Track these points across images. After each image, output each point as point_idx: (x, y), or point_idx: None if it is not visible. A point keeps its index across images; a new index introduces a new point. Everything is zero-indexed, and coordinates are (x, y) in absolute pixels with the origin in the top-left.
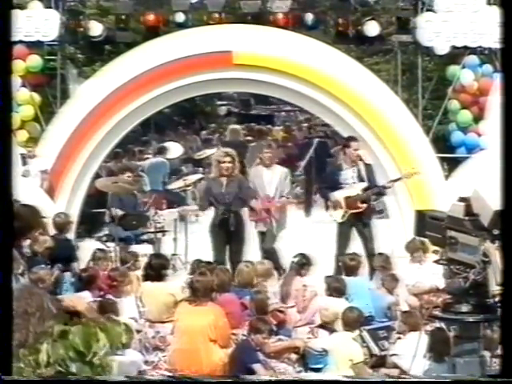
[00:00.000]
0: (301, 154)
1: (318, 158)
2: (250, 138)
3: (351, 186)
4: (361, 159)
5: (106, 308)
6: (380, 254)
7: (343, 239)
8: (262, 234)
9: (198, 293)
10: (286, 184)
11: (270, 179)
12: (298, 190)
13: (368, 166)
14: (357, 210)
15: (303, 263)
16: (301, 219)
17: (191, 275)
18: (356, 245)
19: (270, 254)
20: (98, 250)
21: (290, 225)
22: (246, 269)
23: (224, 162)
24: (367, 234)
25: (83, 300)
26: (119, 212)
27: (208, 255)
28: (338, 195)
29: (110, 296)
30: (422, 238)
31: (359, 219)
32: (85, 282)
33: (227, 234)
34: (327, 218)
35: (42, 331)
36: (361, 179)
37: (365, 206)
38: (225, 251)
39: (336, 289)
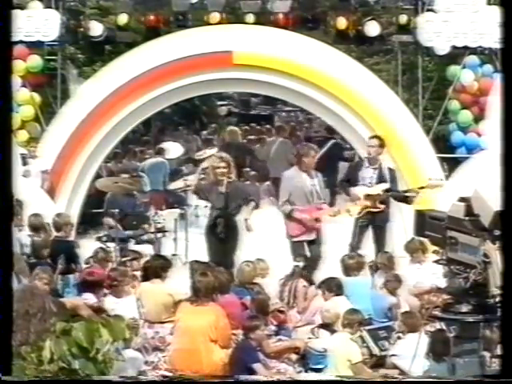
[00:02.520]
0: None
1: (330, 158)
2: (251, 137)
3: (372, 184)
4: (381, 159)
5: (100, 311)
6: (384, 252)
7: (357, 239)
8: (298, 243)
9: (200, 293)
10: (324, 190)
11: (312, 185)
12: None
13: (391, 171)
14: (374, 210)
15: (306, 265)
16: None
17: (189, 276)
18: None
19: (315, 262)
20: (100, 249)
21: None
22: (246, 268)
23: (219, 167)
24: (380, 234)
25: (84, 303)
26: (112, 222)
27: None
28: (359, 191)
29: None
30: (422, 238)
31: (377, 220)
32: (89, 285)
33: (222, 239)
34: (329, 217)
35: (43, 331)
36: (381, 180)
37: (383, 206)
38: (218, 254)
39: (334, 287)
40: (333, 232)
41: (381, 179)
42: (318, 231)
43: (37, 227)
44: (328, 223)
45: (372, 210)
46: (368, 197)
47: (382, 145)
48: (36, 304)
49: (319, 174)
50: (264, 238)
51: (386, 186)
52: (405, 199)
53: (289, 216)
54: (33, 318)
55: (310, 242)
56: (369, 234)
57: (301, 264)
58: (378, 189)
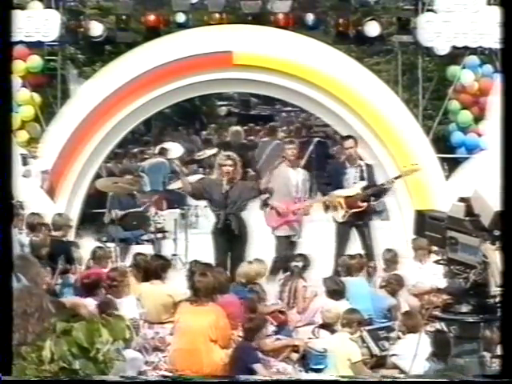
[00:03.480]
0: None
1: (317, 158)
2: (252, 137)
3: (353, 185)
4: (359, 158)
5: (106, 307)
6: (389, 250)
7: (342, 240)
8: (282, 238)
9: (200, 293)
10: (308, 187)
11: (296, 181)
12: None
13: (369, 167)
14: (357, 210)
15: (305, 265)
16: None
17: (189, 276)
18: (355, 246)
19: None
20: (98, 248)
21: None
22: (247, 268)
23: (225, 165)
24: (366, 234)
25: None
26: (119, 213)
27: (208, 256)
28: (338, 194)
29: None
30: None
31: (359, 219)
32: (88, 289)
33: (230, 238)
34: (325, 216)
35: (41, 330)
36: (362, 179)
37: (365, 205)
38: (227, 254)
39: (335, 291)
40: (315, 230)
41: (362, 178)
42: (296, 226)
43: (33, 226)
44: (309, 222)
45: (355, 210)
46: (348, 198)
47: (356, 144)
48: (34, 303)
49: (305, 171)
50: (261, 238)
51: (363, 183)
52: (382, 193)
53: (265, 204)
54: (31, 318)
55: (282, 238)
56: (354, 236)
57: (300, 264)
58: (356, 188)
